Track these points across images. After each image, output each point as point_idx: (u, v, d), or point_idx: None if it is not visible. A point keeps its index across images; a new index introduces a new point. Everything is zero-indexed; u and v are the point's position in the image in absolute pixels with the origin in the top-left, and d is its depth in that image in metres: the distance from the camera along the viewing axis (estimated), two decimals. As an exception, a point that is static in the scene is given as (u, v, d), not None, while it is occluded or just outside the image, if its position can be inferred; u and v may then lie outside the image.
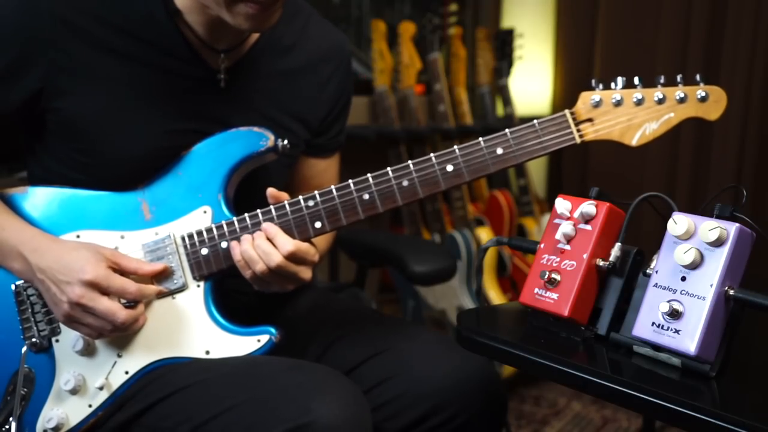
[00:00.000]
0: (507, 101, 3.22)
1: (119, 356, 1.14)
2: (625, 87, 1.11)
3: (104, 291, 1.08)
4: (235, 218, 1.16)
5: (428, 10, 3.21)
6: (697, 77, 1.10)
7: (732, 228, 0.83)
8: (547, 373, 0.89)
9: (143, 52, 1.16)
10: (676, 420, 0.77)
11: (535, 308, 0.98)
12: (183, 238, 1.16)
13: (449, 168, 1.13)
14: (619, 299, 0.95)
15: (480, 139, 1.13)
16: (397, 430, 1.17)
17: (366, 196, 1.14)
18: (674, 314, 0.83)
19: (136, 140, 1.17)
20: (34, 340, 1.15)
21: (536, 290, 0.98)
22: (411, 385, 1.17)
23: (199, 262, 1.16)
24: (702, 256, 0.84)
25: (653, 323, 0.86)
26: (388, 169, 1.14)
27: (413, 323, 1.96)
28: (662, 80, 1.10)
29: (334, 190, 1.14)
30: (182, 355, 1.14)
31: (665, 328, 0.84)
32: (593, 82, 1.13)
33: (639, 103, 1.10)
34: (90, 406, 1.14)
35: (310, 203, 1.15)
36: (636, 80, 1.11)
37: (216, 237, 1.16)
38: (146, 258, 1.16)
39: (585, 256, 0.95)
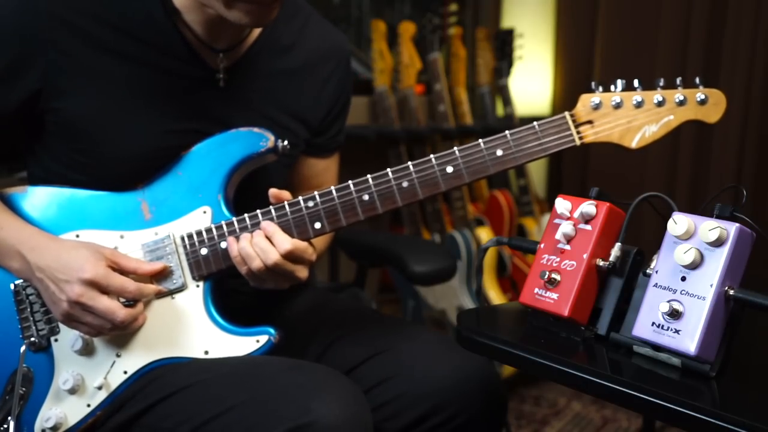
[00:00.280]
0: (507, 101, 3.22)
1: (118, 356, 1.14)
2: (624, 89, 1.12)
3: (103, 290, 1.08)
4: (234, 218, 1.16)
5: (428, 10, 3.21)
6: (697, 80, 1.10)
7: (732, 228, 0.83)
8: (547, 373, 0.89)
9: (142, 51, 1.16)
10: (676, 420, 0.77)
11: (535, 308, 0.98)
12: (182, 238, 1.16)
13: (449, 169, 1.13)
14: (619, 299, 0.95)
15: (480, 140, 1.13)
16: (397, 430, 1.17)
17: (366, 197, 1.14)
18: (674, 314, 0.83)
19: (135, 140, 1.17)
20: (32, 339, 1.15)
21: (536, 290, 0.98)
22: (411, 385, 1.17)
23: (198, 262, 1.16)
24: (702, 256, 0.84)
25: (653, 323, 0.86)
26: (388, 170, 1.14)
27: (413, 323, 1.96)
28: (662, 83, 1.10)
29: (333, 191, 1.14)
30: (181, 355, 1.14)
31: (665, 328, 0.84)
32: (593, 84, 1.13)
33: (639, 105, 1.10)
34: (89, 405, 1.13)
35: (310, 204, 1.15)
36: (636, 83, 1.11)
37: (215, 237, 1.15)
38: (146, 258, 1.16)
39: (585, 256, 0.95)
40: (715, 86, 1.10)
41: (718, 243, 0.83)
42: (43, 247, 1.11)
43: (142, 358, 1.14)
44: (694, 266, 0.84)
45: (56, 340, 1.16)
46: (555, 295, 0.95)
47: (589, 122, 1.12)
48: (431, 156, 1.13)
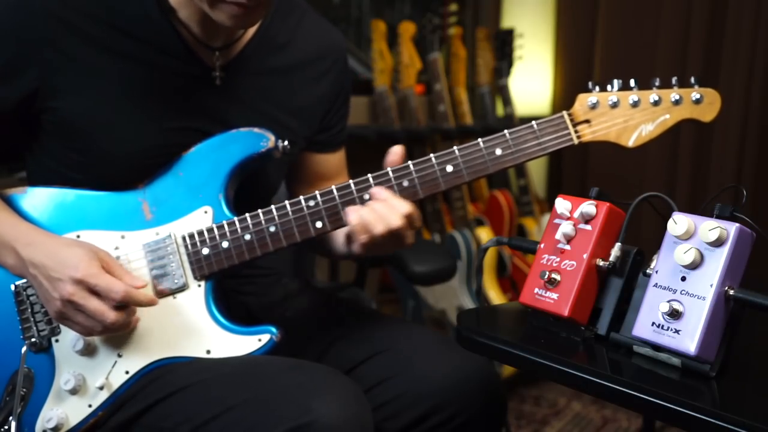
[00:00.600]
0: (507, 101, 3.22)
1: (120, 356, 1.14)
2: (621, 89, 1.13)
3: (91, 289, 1.07)
4: (235, 218, 1.16)
5: (428, 10, 3.22)
6: (692, 80, 1.12)
7: (732, 228, 0.83)
8: (547, 373, 0.89)
9: (138, 50, 1.16)
10: (676, 420, 0.77)
11: (535, 308, 0.98)
12: (184, 238, 1.16)
13: (449, 168, 1.14)
14: (619, 299, 0.95)
15: (479, 139, 1.14)
16: (397, 429, 1.17)
17: (366, 196, 1.14)
18: (674, 314, 0.84)
19: (132, 139, 1.17)
20: (33, 340, 1.15)
21: (536, 290, 0.98)
22: (411, 384, 1.17)
23: (200, 262, 1.16)
24: (702, 256, 0.84)
25: (653, 323, 0.86)
26: (389, 169, 1.15)
27: (413, 323, 1.96)
28: (657, 82, 1.12)
29: (334, 190, 1.15)
30: (183, 354, 1.14)
31: (665, 328, 0.84)
32: (590, 84, 1.15)
33: (635, 105, 1.12)
34: (90, 405, 1.13)
35: (311, 203, 1.15)
36: (632, 82, 1.13)
37: (217, 237, 1.16)
38: (147, 257, 1.16)
39: (585, 256, 0.95)
40: (715, 86, 1.12)
41: (718, 243, 0.83)
42: (39, 243, 1.11)
43: (144, 357, 1.14)
44: (694, 266, 0.84)
45: (57, 341, 1.16)
46: (555, 295, 0.95)
47: (587, 121, 1.14)
48: (431, 155, 1.14)
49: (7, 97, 1.14)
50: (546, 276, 0.96)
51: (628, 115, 1.12)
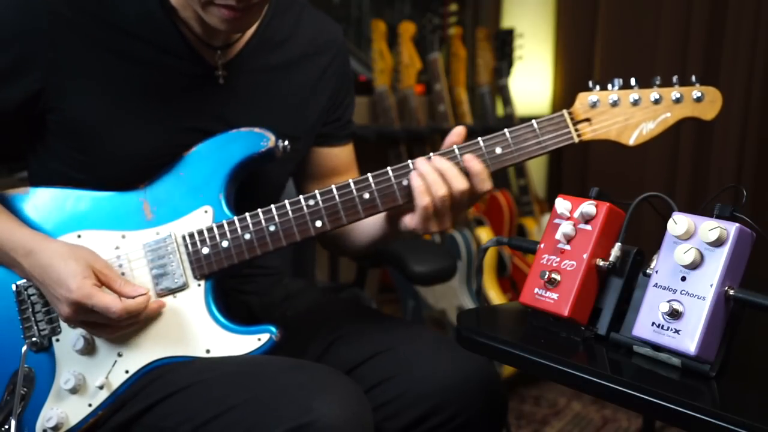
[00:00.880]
0: (507, 101, 3.22)
1: (120, 355, 1.14)
2: (621, 88, 1.13)
3: (89, 311, 1.07)
4: (236, 217, 1.16)
5: (428, 10, 3.22)
6: (693, 78, 1.12)
7: (732, 228, 0.83)
8: (547, 373, 0.89)
9: (142, 50, 1.16)
10: (676, 420, 0.77)
11: (535, 308, 0.98)
12: (184, 238, 1.16)
13: (449, 167, 1.13)
14: (619, 299, 0.95)
15: (479, 138, 1.14)
16: (397, 429, 1.17)
17: (366, 195, 1.14)
18: (674, 314, 0.84)
19: (136, 138, 1.17)
20: (34, 339, 1.15)
21: (536, 290, 0.98)
22: (411, 384, 1.17)
23: (199, 261, 1.16)
24: (702, 256, 0.84)
25: (653, 323, 0.86)
26: (388, 168, 1.14)
27: (413, 323, 1.96)
28: (658, 81, 1.12)
29: (334, 189, 1.15)
30: (183, 354, 1.14)
31: (665, 328, 0.84)
32: (590, 83, 1.14)
33: (636, 103, 1.12)
34: (90, 405, 1.14)
35: (311, 202, 1.15)
36: (632, 81, 1.13)
37: (217, 236, 1.16)
38: (147, 257, 1.16)
39: (585, 256, 0.95)
40: (714, 86, 1.11)
41: (718, 243, 0.83)
42: (37, 252, 1.10)
43: (144, 357, 1.14)
44: (694, 266, 0.84)
45: (57, 340, 1.16)
46: (555, 295, 0.95)
47: (587, 120, 1.13)
48: (431, 154, 1.14)
49: (11, 98, 1.14)
50: (546, 276, 0.96)
51: (628, 114, 1.12)
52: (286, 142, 1.20)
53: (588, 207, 0.96)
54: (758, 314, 0.83)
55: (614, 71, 1.14)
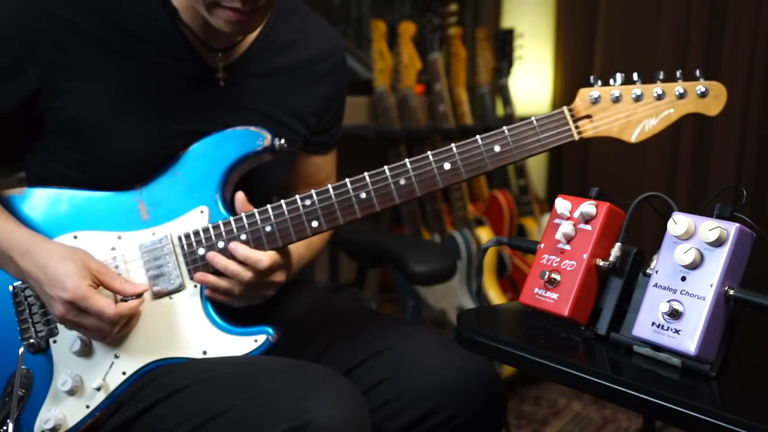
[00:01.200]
0: (507, 101, 3.21)
1: (117, 357, 1.14)
2: (623, 83, 1.11)
3: (82, 311, 1.07)
4: (231, 218, 1.16)
5: (428, 10, 3.21)
6: (697, 72, 1.09)
7: (732, 228, 0.83)
8: (547, 373, 0.88)
9: (142, 51, 1.16)
10: (676, 420, 0.77)
11: (535, 308, 0.97)
12: (180, 238, 1.16)
13: (447, 166, 1.12)
14: (619, 299, 0.94)
15: (477, 136, 1.12)
16: (397, 429, 1.17)
17: (363, 195, 1.14)
18: (674, 314, 0.83)
19: (135, 139, 1.17)
20: (31, 341, 1.15)
21: (536, 290, 0.97)
22: (411, 384, 1.17)
23: (196, 262, 1.15)
24: (702, 256, 0.84)
25: (653, 323, 0.85)
26: (385, 167, 1.14)
27: (413, 323, 1.96)
28: (661, 76, 1.09)
29: (331, 189, 1.14)
30: (179, 355, 1.14)
31: (665, 328, 0.84)
32: (591, 78, 1.12)
33: (638, 99, 1.10)
34: (88, 406, 1.13)
35: (307, 202, 1.14)
36: (635, 76, 1.10)
37: (213, 237, 1.15)
38: (144, 258, 1.16)
39: (585, 256, 0.94)
40: (716, 85, 1.09)
41: (718, 243, 0.83)
42: (34, 252, 1.10)
43: (141, 358, 1.14)
44: (694, 266, 0.84)
45: (55, 342, 1.15)
46: (555, 295, 0.95)
47: (588, 117, 1.12)
48: (428, 153, 1.13)
49: (10, 97, 1.14)
50: (546, 276, 0.95)
51: (630, 110, 1.10)
52: (283, 140, 1.19)
53: (588, 207, 0.96)
54: (758, 314, 0.83)
55: (614, 71, 1.12)
